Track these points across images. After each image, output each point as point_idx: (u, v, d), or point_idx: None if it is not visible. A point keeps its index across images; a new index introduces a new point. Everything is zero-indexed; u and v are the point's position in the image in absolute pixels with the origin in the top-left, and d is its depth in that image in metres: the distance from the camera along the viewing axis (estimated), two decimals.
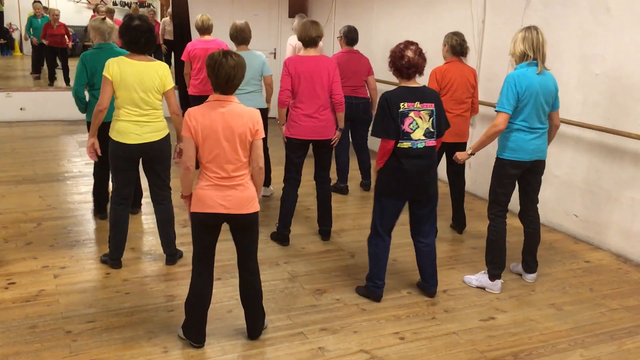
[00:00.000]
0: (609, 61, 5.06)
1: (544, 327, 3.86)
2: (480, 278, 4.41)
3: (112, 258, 4.47)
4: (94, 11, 15.04)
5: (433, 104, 3.87)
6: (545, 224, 5.78)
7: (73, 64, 12.53)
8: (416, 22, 7.60)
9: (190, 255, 4.67)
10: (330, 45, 9.68)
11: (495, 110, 4.12)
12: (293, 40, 7.45)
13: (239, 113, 3.20)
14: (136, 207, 5.59)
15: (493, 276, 4.34)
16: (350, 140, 6.69)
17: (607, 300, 4.29)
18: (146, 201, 6.08)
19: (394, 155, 3.85)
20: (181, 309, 3.85)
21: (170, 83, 4.26)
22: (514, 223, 5.04)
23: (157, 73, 4.19)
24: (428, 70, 4.25)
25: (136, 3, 18.42)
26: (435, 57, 7.02)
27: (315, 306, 3.99)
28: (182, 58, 6.80)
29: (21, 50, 18.64)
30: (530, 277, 4.56)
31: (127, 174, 4.35)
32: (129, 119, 4.19)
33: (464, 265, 4.77)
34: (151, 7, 17.64)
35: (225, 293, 4.12)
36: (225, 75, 3.13)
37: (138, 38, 4.11)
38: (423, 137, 3.85)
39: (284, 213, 5.04)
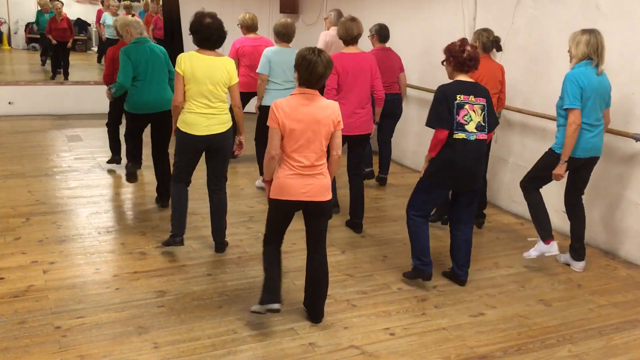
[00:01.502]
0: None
1: (532, 323, 3.89)
2: (537, 247, 4.64)
3: (173, 235, 4.59)
4: (102, 4, 14.98)
5: (485, 99, 4.07)
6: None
7: (71, 59, 12.62)
8: (407, 19, 7.61)
9: (180, 250, 4.68)
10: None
11: (565, 109, 4.28)
12: (327, 37, 7.35)
13: (323, 105, 3.42)
14: (137, 162, 6.05)
15: (546, 237, 4.58)
16: (377, 133, 6.73)
17: (596, 296, 4.33)
18: (135, 200, 6.07)
19: (447, 145, 4.01)
20: (171, 304, 3.86)
21: (235, 78, 4.47)
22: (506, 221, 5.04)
23: (225, 67, 4.38)
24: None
25: None
26: (425, 54, 7.05)
27: None
28: (230, 55, 6.67)
29: (9, 44, 18.47)
30: (578, 265, 4.73)
31: (191, 162, 4.55)
32: (198, 111, 4.36)
33: None
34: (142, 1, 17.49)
35: (216, 289, 4.11)
36: (318, 73, 3.34)
37: (211, 35, 4.29)
38: (475, 130, 4.02)
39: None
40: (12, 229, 5.01)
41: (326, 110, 3.40)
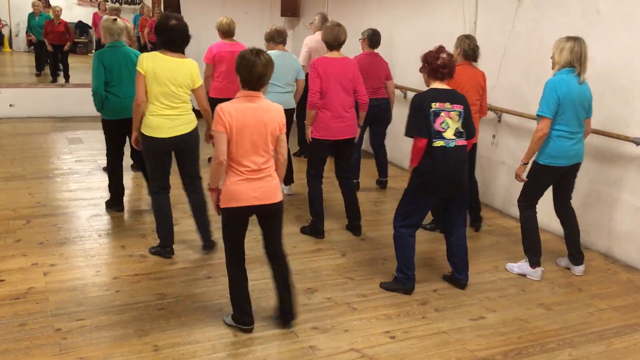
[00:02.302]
0: (599, 63, 5.09)
1: (533, 327, 3.89)
2: (521, 265, 4.65)
3: (164, 246, 4.63)
4: (98, 7, 15.00)
5: (462, 106, 4.07)
6: None
7: (72, 62, 12.59)
8: (408, 22, 7.62)
9: (180, 253, 4.68)
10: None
11: (537, 115, 4.29)
12: (311, 42, 7.37)
13: (268, 108, 3.40)
14: (120, 205, 5.64)
15: (533, 263, 4.58)
16: (369, 138, 6.84)
17: (596, 300, 4.33)
18: (126, 199, 6.07)
19: (427, 154, 3.99)
20: (171, 307, 3.86)
21: (199, 80, 4.49)
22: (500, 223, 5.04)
23: (189, 70, 4.40)
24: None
25: (127, 1, 18.31)
26: None
27: (306, 305, 4.00)
28: (205, 60, 6.75)
29: (10, 46, 18.49)
30: (578, 269, 4.74)
31: (163, 166, 4.53)
32: (160, 112, 4.35)
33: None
34: (142, 3, 17.53)
35: (216, 292, 4.11)
36: (257, 73, 3.30)
37: (175, 37, 4.31)
38: (454, 137, 4.01)
39: (316, 207, 5.22)
40: (12, 231, 5.01)
41: (272, 113, 3.40)
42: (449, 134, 3.98)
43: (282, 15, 10.49)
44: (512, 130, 6.06)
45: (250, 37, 7.74)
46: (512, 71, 5.98)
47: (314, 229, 5.24)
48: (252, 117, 3.32)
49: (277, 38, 6.03)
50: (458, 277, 4.37)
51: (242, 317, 3.60)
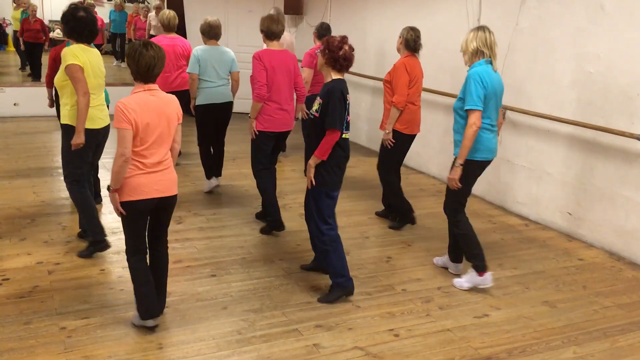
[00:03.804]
0: (603, 60, 5.08)
1: (537, 324, 3.88)
2: (470, 278, 4.32)
3: (98, 241, 4.53)
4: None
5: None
6: (538, 222, 5.81)
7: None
8: (411, 20, 7.59)
9: (184, 251, 4.69)
10: None
11: (467, 109, 4.03)
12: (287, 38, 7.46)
13: (167, 100, 3.41)
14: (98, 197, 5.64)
15: (481, 269, 4.25)
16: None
17: (601, 297, 4.32)
18: None
19: (338, 146, 3.89)
20: (175, 305, 3.87)
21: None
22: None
23: (102, 61, 4.56)
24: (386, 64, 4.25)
25: None
26: (429, 55, 7.04)
27: (310, 303, 4.00)
28: None
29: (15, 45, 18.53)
30: (455, 267, 4.56)
31: (89, 157, 4.56)
32: (93, 104, 4.39)
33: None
34: (146, 2, 17.56)
35: (220, 290, 4.12)
36: (145, 64, 3.27)
37: (82, 29, 4.33)
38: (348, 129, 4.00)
39: (270, 201, 5.19)
40: (17, 229, 5.02)
41: (172, 104, 3.42)
42: (349, 126, 3.98)
43: (285, 13, 10.45)
44: (516, 128, 6.05)
45: (254, 35, 7.76)
46: (516, 68, 5.96)
47: (274, 222, 5.19)
48: (156, 110, 3.31)
49: (208, 32, 6.00)
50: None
51: (146, 309, 3.49)
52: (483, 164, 4.25)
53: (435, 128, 7.16)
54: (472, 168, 4.18)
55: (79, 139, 4.31)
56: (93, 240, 4.54)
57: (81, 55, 4.25)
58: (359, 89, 8.68)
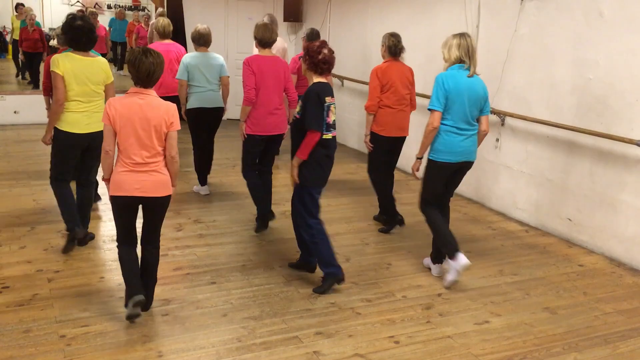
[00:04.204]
0: (602, 66, 5.09)
1: (538, 331, 3.87)
2: (451, 269, 4.37)
3: (70, 229, 4.73)
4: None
5: (334, 99, 4.24)
6: (539, 228, 5.81)
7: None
8: (410, 27, 7.62)
9: (184, 258, 4.68)
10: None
11: (428, 109, 4.34)
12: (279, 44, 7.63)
13: (155, 105, 3.54)
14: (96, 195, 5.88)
15: (454, 253, 4.32)
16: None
17: (601, 304, 4.31)
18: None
19: (320, 146, 4.12)
20: (175, 312, 3.86)
21: (111, 76, 4.72)
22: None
23: (101, 68, 4.63)
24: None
25: (131, 7, 18.38)
26: (429, 62, 7.06)
27: (310, 310, 3.99)
28: None
29: (5, 51, 18.55)
30: (436, 269, 4.64)
31: (73, 161, 4.77)
32: (79, 109, 4.56)
33: None
34: (146, 10, 17.60)
35: (220, 297, 4.11)
36: (145, 70, 3.47)
37: (79, 37, 4.48)
38: (333, 129, 4.20)
39: (258, 198, 5.42)
40: (17, 237, 5.02)
41: (158, 110, 3.52)
42: (334, 126, 4.18)
43: (284, 21, 10.50)
44: (515, 133, 6.06)
45: (253, 42, 7.72)
46: (515, 74, 5.98)
47: (263, 218, 5.41)
48: (137, 112, 3.48)
49: (198, 40, 6.25)
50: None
51: (128, 293, 3.67)
52: (444, 166, 4.38)
53: None
54: (433, 167, 4.43)
55: (45, 138, 4.77)
56: (66, 230, 4.77)
57: (62, 64, 4.41)
58: (361, 96, 8.67)
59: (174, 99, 6.03)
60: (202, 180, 6.52)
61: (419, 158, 4.51)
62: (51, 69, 4.43)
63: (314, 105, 4.04)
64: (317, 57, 4.10)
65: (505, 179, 6.22)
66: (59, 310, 3.83)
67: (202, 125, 6.27)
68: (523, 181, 6.00)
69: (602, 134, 5.05)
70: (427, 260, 4.75)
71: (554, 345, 3.71)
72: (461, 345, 3.66)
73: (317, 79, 4.16)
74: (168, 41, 7.01)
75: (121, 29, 15.12)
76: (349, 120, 9.16)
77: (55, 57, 4.47)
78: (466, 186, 6.75)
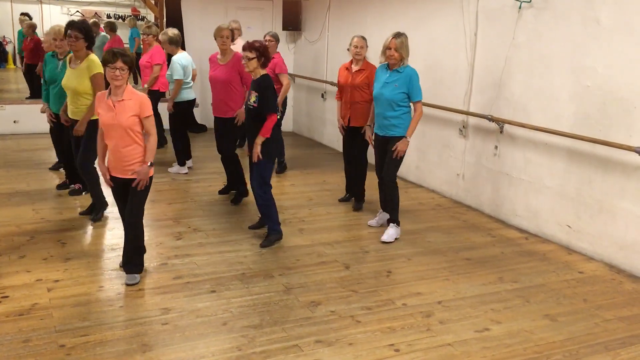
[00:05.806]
0: (600, 73, 5.10)
1: (538, 338, 3.87)
2: (396, 231, 5.54)
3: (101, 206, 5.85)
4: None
5: None
6: (538, 235, 5.81)
7: None
8: (409, 34, 7.61)
9: (184, 267, 4.67)
10: (324, 56, 9.75)
11: (418, 100, 5.37)
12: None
13: (127, 97, 4.19)
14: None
15: (397, 222, 5.59)
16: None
17: (601, 310, 4.30)
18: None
19: (277, 126, 5.16)
20: (175, 321, 3.86)
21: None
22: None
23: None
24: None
25: (131, 16, 18.43)
26: (428, 70, 7.08)
27: (310, 318, 3.99)
28: (161, 62, 8.42)
29: (15, 63, 18.62)
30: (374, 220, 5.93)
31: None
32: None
33: (458, 276, 4.78)
34: (145, 19, 17.64)
35: (220, 306, 4.11)
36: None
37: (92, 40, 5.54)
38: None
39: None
40: (16, 247, 5.02)
41: (130, 102, 4.18)
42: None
43: (283, 29, 10.54)
44: (514, 141, 6.07)
45: None
46: (513, 82, 6.00)
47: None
48: (107, 103, 4.19)
49: (177, 42, 7.58)
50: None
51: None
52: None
53: (434, 142, 7.19)
54: (408, 143, 5.47)
55: (80, 129, 5.59)
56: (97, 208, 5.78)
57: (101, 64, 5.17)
58: None
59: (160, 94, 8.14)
60: (182, 162, 7.75)
61: (408, 140, 5.42)
62: (99, 71, 5.28)
63: (270, 92, 4.98)
64: (269, 55, 5.12)
65: (505, 186, 6.22)
66: (58, 320, 3.82)
67: (192, 113, 7.99)
68: (522, 188, 6.01)
69: (601, 141, 5.06)
70: (376, 220, 5.89)
71: (555, 353, 3.70)
72: (461, 353, 3.65)
73: (263, 72, 5.08)
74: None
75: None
76: None
77: (97, 59, 5.29)
78: (465, 194, 6.75)
